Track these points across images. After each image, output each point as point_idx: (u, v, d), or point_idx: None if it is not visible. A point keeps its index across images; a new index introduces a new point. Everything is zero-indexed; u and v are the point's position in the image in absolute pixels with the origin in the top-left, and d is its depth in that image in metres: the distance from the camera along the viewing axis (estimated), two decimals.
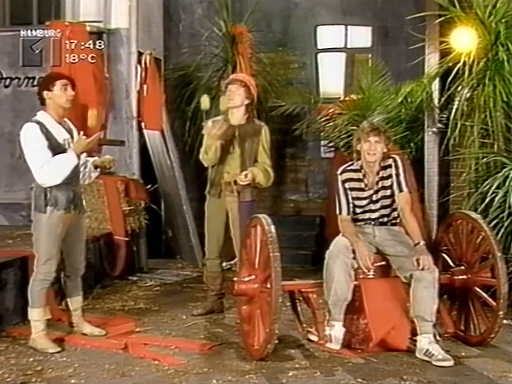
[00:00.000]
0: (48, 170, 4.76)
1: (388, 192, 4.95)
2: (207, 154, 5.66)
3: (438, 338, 4.64)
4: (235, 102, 5.68)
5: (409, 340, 4.70)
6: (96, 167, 5.14)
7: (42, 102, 4.91)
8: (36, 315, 4.87)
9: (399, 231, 4.97)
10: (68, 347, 4.91)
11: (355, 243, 4.77)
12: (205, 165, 5.79)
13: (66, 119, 5.01)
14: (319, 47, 9.49)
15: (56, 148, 4.80)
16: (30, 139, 4.79)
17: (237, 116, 5.72)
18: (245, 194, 5.61)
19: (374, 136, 4.89)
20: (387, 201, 4.96)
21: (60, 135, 4.86)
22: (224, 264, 6.31)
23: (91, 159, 5.16)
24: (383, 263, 4.86)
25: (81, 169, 5.04)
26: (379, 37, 9.24)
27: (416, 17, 6.39)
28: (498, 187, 5.71)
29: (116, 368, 4.45)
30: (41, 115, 4.88)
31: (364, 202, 4.97)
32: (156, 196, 8.30)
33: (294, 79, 9.42)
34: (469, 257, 4.96)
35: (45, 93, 4.87)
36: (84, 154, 5.02)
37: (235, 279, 4.89)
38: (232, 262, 5.82)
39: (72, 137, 4.94)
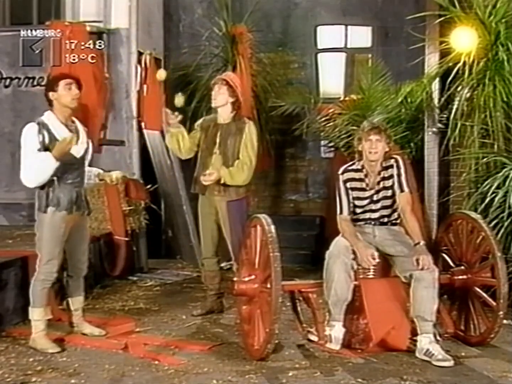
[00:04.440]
0: (28, 171, 4.77)
1: (389, 192, 4.95)
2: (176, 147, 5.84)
3: (438, 338, 4.64)
4: (217, 102, 5.72)
5: (409, 340, 4.70)
6: (103, 179, 5.20)
7: (50, 103, 4.92)
8: (37, 315, 4.87)
9: (399, 231, 4.97)
10: (68, 347, 4.91)
11: (355, 244, 4.77)
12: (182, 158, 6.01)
13: (74, 120, 5.00)
14: (319, 47, 9.50)
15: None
16: (26, 140, 4.80)
17: (223, 115, 5.73)
18: (230, 193, 5.62)
19: (375, 135, 4.90)
20: (388, 202, 4.96)
21: (64, 136, 4.85)
22: (224, 264, 6.33)
23: (94, 170, 5.19)
24: (378, 260, 4.85)
25: (85, 170, 5.07)
26: (379, 37, 9.24)
27: (416, 17, 6.39)
28: (498, 187, 5.71)
29: (116, 368, 4.45)
30: (47, 115, 4.88)
31: (365, 202, 4.97)
32: (156, 196, 8.30)
33: (294, 79, 9.42)
34: (469, 257, 4.96)
35: (50, 94, 4.88)
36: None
37: (235, 279, 4.90)
38: (231, 262, 5.82)
39: (78, 138, 4.93)
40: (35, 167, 4.76)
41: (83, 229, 5.10)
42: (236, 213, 5.61)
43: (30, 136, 4.78)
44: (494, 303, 4.75)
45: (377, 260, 4.77)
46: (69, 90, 4.88)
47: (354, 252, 4.76)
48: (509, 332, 5.13)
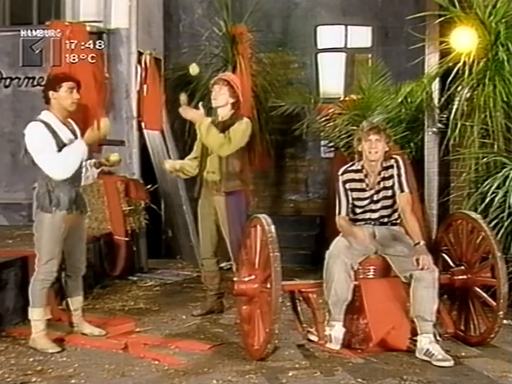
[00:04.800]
0: (60, 162, 4.77)
1: (390, 192, 4.94)
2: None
3: (438, 338, 4.64)
4: (217, 102, 5.72)
5: (409, 340, 4.69)
6: (100, 164, 5.18)
7: (47, 101, 4.92)
8: (37, 315, 4.87)
9: (399, 231, 4.97)
10: (68, 347, 4.91)
11: (350, 232, 4.76)
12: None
13: (70, 120, 5.01)
14: (319, 47, 9.50)
15: (62, 148, 4.80)
16: (37, 137, 4.78)
17: (222, 115, 5.74)
18: (223, 187, 5.61)
19: (374, 134, 4.90)
20: (388, 202, 4.96)
21: (65, 135, 4.86)
22: (223, 264, 6.32)
23: (88, 162, 5.16)
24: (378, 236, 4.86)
25: (83, 170, 5.06)
26: (379, 37, 9.24)
27: (416, 17, 6.39)
28: (498, 187, 5.71)
29: (116, 368, 4.45)
30: (45, 115, 4.88)
31: (365, 202, 4.97)
32: (156, 196, 8.30)
33: (294, 79, 9.43)
34: (469, 257, 4.96)
35: (50, 93, 4.88)
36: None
37: (235, 279, 4.90)
38: (231, 262, 5.82)
39: (76, 138, 4.94)
40: (71, 156, 4.79)
41: (81, 229, 5.11)
42: (235, 210, 5.61)
43: (39, 133, 4.76)
44: (494, 303, 4.75)
45: (374, 235, 4.78)
46: (70, 93, 4.89)
47: (353, 251, 4.76)
48: (509, 332, 5.13)
